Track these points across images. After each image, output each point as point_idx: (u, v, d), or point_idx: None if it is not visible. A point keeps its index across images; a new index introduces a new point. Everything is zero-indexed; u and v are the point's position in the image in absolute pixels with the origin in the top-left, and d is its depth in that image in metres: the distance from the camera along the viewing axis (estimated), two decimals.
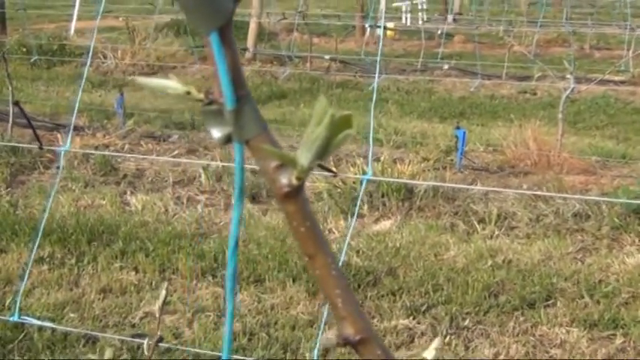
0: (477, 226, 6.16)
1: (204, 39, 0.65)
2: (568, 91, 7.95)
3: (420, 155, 7.38)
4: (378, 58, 5.28)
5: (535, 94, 12.32)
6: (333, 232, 6.16)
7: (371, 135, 4.18)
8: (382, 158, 7.07)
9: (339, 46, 15.60)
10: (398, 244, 5.87)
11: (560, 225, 6.13)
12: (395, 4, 21.15)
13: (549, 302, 5.08)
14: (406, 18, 21.23)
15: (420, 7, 21.89)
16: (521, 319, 4.91)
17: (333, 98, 11.95)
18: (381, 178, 6.33)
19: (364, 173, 5.18)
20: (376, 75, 6.19)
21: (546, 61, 12.74)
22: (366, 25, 17.90)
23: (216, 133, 0.67)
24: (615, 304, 5.02)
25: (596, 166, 7.76)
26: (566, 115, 8.34)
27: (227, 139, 0.67)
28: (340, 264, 4.32)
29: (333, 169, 6.46)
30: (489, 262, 5.56)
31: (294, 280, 5.32)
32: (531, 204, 6.47)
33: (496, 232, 6.08)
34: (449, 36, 17.31)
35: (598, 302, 5.05)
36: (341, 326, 0.67)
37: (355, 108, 11.36)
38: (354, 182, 6.69)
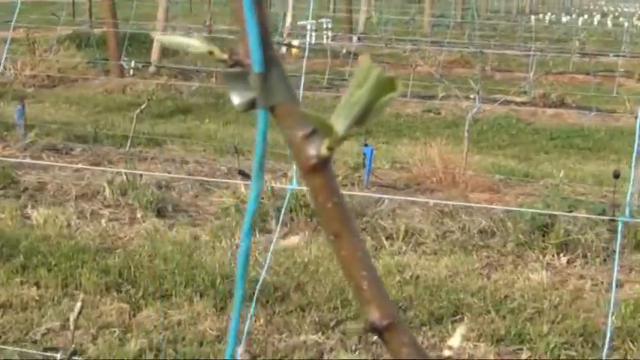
0: (385, 242, 6.18)
1: None
2: (474, 110, 8.06)
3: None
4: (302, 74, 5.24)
5: (439, 113, 12.47)
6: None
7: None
8: (290, 174, 7.05)
9: None
10: (306, 260, 5.84)
11: (467, 241, 6.19)
12: (300, 23, 21.22)
13: (457, 317, 5.11)
14: (311, 36, 21.30)
15: (324, 25, 22.00)
16: (430, 334, 4.93)
17: (238, 114, 11.88)
18: (305, 187, 6.28)
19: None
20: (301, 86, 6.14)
21: (450, 81, 12.93)
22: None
23: (238, 98, 0.62)
24: (521, 319, 5.08)
25: (500, 185, 7.87)
26: (470, 134, 8.45)
27: (250, 105, 0.62)
28: (260, 281, 4.28)
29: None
30: (397, 278, 5.57)
31: (201, 296, 5.24)
32: (438, 220, 6.52)
33: (404, 248, 6.10)
34: (354, 55, 17.41)
35: (504, 317, 5.10)
36: (366, 311, 0.63)
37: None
38: (262, 197, 6.64)
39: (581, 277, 5.74)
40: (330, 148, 0.60)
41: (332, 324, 4.97)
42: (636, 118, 4.36)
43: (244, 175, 6.19)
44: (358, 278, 0.62)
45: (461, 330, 0.67)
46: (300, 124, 0.61)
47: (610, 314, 3.85)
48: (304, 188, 5.07)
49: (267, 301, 5.19)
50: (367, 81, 0.58)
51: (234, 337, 0.70)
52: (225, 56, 0.62)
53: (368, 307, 0.62)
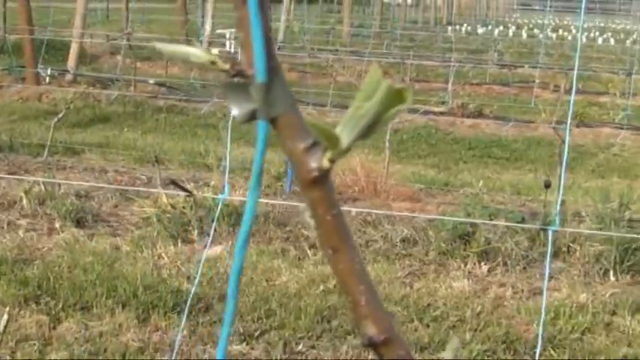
0: (308, 251, 6.17)
1: (236, 3, 0.58)
2: (395, 120, 8.10)
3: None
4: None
5: None
6: (163, 258, 6.02)
7: (227, 155, 4.11)
8: (212, 183, 7.00)
9: (163, 71, 15.45)
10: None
11: (389, 250, 6.22)
12: (219, 31, 21.14)
13: None
14: (230, 44, 21.26)
15: None
16: (354, 342, 4.94)
17: (158, 123, 11.79)
18: (237, 197, 6.25)
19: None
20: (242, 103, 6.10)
21: None
22: None
23: (238, 109, 0.60)
24: (444, 327, 5.12)
25: (421, 194, 7.94)
26: (391, 144, 8.50)
27: (250, 117, 0.60)
28: (192, 293, 4.23)
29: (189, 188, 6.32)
30: (321, 287, 5.57)
31: (123, 307, 5.16)
32: (361, 229, 6.55)
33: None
34: None
35: (427, 326, 5.14)
36: (363, 326, 0.62)
37: (181, 133, 11.25)
38: (183, 207, 6.59)
39: (502, 284, 5.82)
40: (332, 161, 0.59)
41: (256, 334, 4.95)
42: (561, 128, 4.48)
43: (177, 186, 6.13)
44: (356, 293, 0.62)
45: (452, 344, 0.67)
46: (302, 136, 0.60)
47: (542, 321, 3.91)
48: (235, 198, 5.04)
49: (191, 312, 5.14)
50: (376, 93, 0.57)
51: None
52: (227, 66, 0.61)
53: (365, 321, 0.62)
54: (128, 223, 6.72)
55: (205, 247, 6.26)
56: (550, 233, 3.93)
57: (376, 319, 0.62)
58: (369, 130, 0.59)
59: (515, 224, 5.96)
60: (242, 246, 0.66)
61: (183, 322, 4.20)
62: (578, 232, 5.96)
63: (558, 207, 4.08)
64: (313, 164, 0.60)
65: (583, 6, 4.78)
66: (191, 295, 4.11)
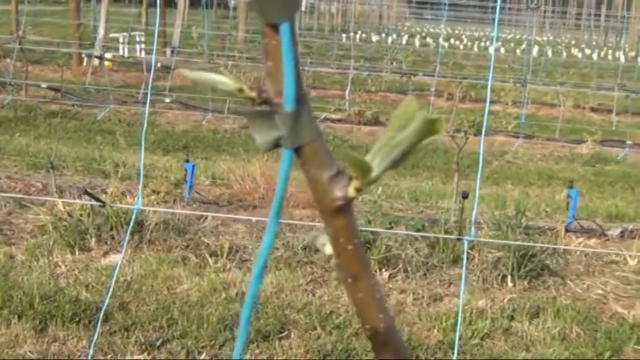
0: (209, 259, 6.12)
1: (264, 31, 0.55)
2: None
3: (148, 188, 7.23)
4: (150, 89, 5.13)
5: None
6: (60, 267, 5.88)
7: (141, 164, 4.03)
8: (109, 191, 6.88)
9: (56, 75, 15.14)
10: (129, 278, 5.71)
11: (291, 258, 6.21)
12: (112, 35, 20.85)
13: (283, 334, 5.12)
14: (124, 49, 20.99)
15: (137, 39, 21.72)
16: (257, 351, 4.91)
17: (51, 128, 11.53)
18: (152, 208, 6.14)
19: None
20: (147, 106, 6.00)
21: None
22: (83, 55, 17.51)
23: (262, 137, 0.58)
24: (347, 334, 5.13)
25: None
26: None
27: (274, 145, 0.58)
28: (106, 304, 4.13)
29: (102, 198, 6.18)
30: (223, 295, 5.53)
31: (19, 317, 5.02)
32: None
33: (228, 265, 6.06)
34: (168, 69, 17.20)
35: (330, 333, 5.15)
36: (381, 354, 0.61)
37: (76, 138, 11.03)
38: (80, 215, 6.45)
39: (403, 291, 5.87)
40: (358, 190, 0.58)
41: (158, 343, 4.87)
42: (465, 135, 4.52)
43: (90, 196, 6.00)
44: (375, 321, 0.61)
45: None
46: (327, 165, 0.59)
47: (458, 326, 3.94)
48: (148, 209, 4.94)
49: (90, 322, 5.03)
50: (411, 123, 0.56)
51: None
52: (254, 94, 0.59)
53: (383, 349, 0.61)
54: (23, 232, 6.54)
55: (102, 254, 6.16)
56: (465, 243, 3.98)
57: (394, 348, 0.61)
58: (400, 160, 0.58)
59: (434, 235, 6.03)
60: (257, 277, 0.63)
61: (97, 332, 4.10)
62: (491, 241, 6.05)
63: (473, 218, 4.13)
64: (338, 193, 0.59)
65: (497, 17, 4.86)
66: (104, 307, 4.02)
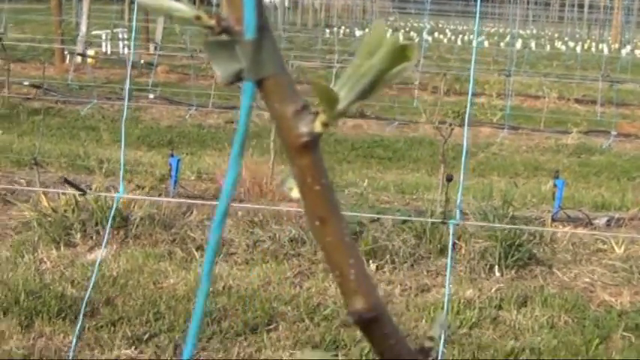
0: (196, 253, 6.09)
1: None
2: None
3: (133, 183, 7.19)
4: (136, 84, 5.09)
5: None
6: (45, 263, 5.84)
7: (122, 152, 4.01)
8: (94, 186, 6.83)
9: (39, 73, 15.05)
10: (115, 273, 5.67)
11: (278, 250, 6.18)
12: (95, 32, 20.76)
13: (271, 326, 5.09)
14: (107, 46, 20.91)
15: (120, 35, 21.63)
16: (245, 344, 4.89)
17: (34, 125, 11.46)
18: (136, 197, 6.09)
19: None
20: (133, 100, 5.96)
21: None
22: (66, 52, 17.43)
23: (222, 70, 0.54)
24: (334, 325, 5.11)
25: None
26: (275, 145, 8.47)
27: (235, 78, 0.55)
28: (87, 296, 4.10)
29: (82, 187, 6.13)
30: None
31: (4, 314, 4.98)
32: (248, 230, 6.49)
33: (215, 259, 6.02)
34: (151, 65, 17.14)
35: (318, 325, 5.13)
36: (352, 301, 0.57)
37: (60, 135, 10.97)
38: (65, 211, 6.41)
39: (391, 282, 5.85)
40: (326, 125, 0.54)
41: (145, 337, 4.84)
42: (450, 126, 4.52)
43: (70, 184, 5.95)
44: (344, 266, 0.57)
45: (439, 320, 0.63)
46: (291, 99, 0.55)
47: (445, 313, 3.93)
48: (133, 198, 4.90)
49: (75, 317, 4.99)
50: (380, 49, 0.53)
51: None
52: (213, 22, 0.55)
53: (354, 297, 0.57)
54: (7, 228, 6.49)
55: (88, 250, 6.12)
56: (451, 226, 3.96)
57: (366, 295, 0.58)
58: (370, 91, 0.54)
59: (418, 219, 6.01)
60: (218, 225, 0.60)
61: (78, 327, 4.07)
62: (478, 224, 6.04)
63: (459, 201, 4.11)
64: (304, 128, 0.55)
65: (478, 10, 4.85)
66: (85, 300, 3.99)
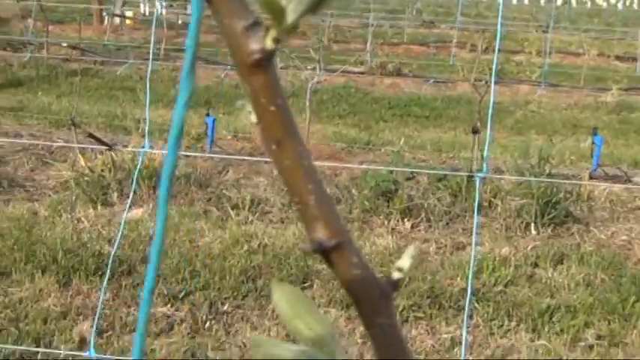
0: (231, 211, 6.11)
1: None
2: (315, 80, 8.06)
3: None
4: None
5: None
6: (82, 222, 5.90)
7: (147, 104, 4.02)
8: (131, 146, 6.86)
9: (76, 34, 15.10)
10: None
11: None
12: None
13: (306, 284, 5.11)
14: (144, 7, 20.92)
15: None
16: None
17: (73, 86, 11.52)
18: (157, 150, 6.10)
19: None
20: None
21: (287, 53, 12.90)
22: (104, 13, 17.47)
23: None
24: None
25: (342, 153, 7.92)
26: (311, 104, 8.45)
27: None
28: (113, 253, 4.14)
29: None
30: (245, 247, 5.52)
31: (43, 272, 5.04)
32: (283, 189, 6.49)
33: (250, 218, 6.05)
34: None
35: None
36: (313, 229, 0.55)
37: (98, 96, 11.03)
38: (102, 170, 6.46)
39: (426, 240, 5.84)
40: (277, 41, 0.52)
41: (181, 296, 4.88)
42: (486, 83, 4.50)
43: (95, 139, 5.99)
44: (303, 192, 0.54)
45: (410, 251, 0.61)
46: (241, 14, 0.52)
47: (471, 273, 3.92)
48: (155, 152, 4.94)
49: (113, 275, 5.04)
50: None
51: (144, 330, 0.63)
52: None
53: (314, 224, 0.54)
54: (45, 188, 6.56)
55: (125, 209, 6.16)
56: (478, 180, 3.93)
57: (327, 221, 0.54)
58: (320, 3, 0.52)
59: (447, 172, 5.97)
60: (171, 150, 0.60)
61: (104, 284, 4.11)
62: (504, 177, 6.00)
63: (486, 153, 4.07)
64: (254, 45, 0.52)
65: None
66: (111, 257, 4.02)
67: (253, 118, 0.54)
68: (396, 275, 0.58)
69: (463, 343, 3.98)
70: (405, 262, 0.59)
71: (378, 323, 0.56)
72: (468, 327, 4.49)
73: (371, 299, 0.56)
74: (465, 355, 4.12)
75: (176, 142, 0.60)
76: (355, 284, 0.56)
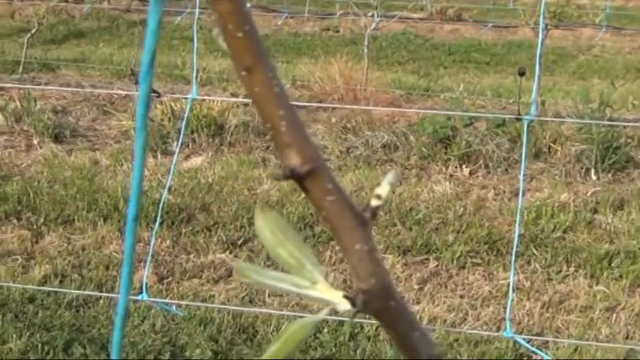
0: None
1: None
2: (373, 27, 8.01)
3: (228, 91, 7.27)
4: None
5: (338, 31, 12.40)
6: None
7: (195, 52, 4.05)
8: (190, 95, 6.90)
9: None
10: (210, 180, 5.78)
11: (371, 156, 6.20)
12: None
13: None
14: None
15: None
16: (337, 248, 4.94)
17: (133, 37, 11.60)
18: (210, 97, 6.14)
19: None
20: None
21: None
22: None
23: None
24: (426, 230, 5.13)
25: (401, 100, 7.88)
26: (370, 51, 8.41)
27: None
28: (163, 200, 4.21)
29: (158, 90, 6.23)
30: (302, 195, 5.54)
31: (104, 220, 5.14)
32: (341, 136, 6.51)
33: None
34: None
35: (410, 229, 5.15)
36: (285, 155, 0.55)
37: (158, 46, 11.08)
38: (162, 119, 6.52)
39: (484, 187, 5.82)
40: None
41: (239, 242, 4.94)
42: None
43: (154, 92, 6.04)
44: (275, 118, 0.54)
45: (389, 178, 0.60)
46: None
47: (518, 220, 3.90)
48: (205, 98, 4.98)
49: (173, 223, 5.12)
50: None
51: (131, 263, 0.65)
52: None
53: (287, 151, 0.54)
54: (106, 137, 6.66)
55: (184, 157, 6.23)
56: (525, 123, 3.89)
57: (299, 147, 0.54)
58: None
59: (488, 115, 5.92)
60: (142, 110, 0.61)
61: (155, 230, 4.18)
62: (557, 120, 5.93)
63: (534, 96, 4.02)
64: None
65: None
66: (161, 204, 4.07)
67: (224, 44, 0.55)
68: (374, 202, 0.58)
69: (510, 286, 3.97)
70: (383, 189, 0.59)
71: (355, 250, 0.57)
72: (518, 272, 4.49)
73: (348, 226, 0.56)
74: (512, 299, 4.13)
75: (148, 72, 0.61)
76: (331, 211, 0.56)
